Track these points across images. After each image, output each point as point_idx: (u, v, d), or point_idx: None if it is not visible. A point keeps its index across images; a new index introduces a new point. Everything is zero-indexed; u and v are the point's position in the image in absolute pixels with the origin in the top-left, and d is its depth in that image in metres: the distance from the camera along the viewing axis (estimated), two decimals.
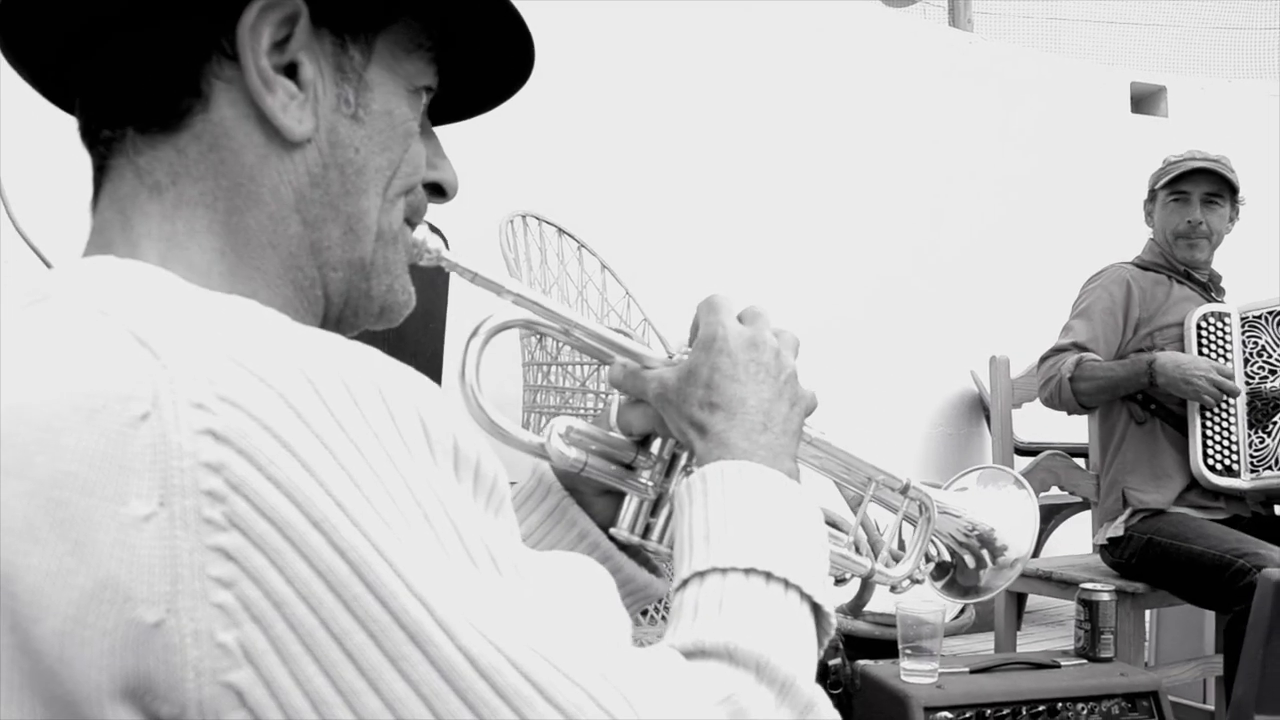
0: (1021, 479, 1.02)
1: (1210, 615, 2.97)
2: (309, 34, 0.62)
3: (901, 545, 0.97)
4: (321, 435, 0.46)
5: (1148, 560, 2.53)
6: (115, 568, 0.44)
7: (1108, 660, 2.15)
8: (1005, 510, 1.00)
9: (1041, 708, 1.93)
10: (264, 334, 0.49)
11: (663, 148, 3.92)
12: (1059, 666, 2.08)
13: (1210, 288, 2.78)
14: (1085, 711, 1.95)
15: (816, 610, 0.64)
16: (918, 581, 0.97)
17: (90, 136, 0.64)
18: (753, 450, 0.71)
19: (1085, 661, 2.14)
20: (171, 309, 0.51)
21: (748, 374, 0.74)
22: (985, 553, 0.98)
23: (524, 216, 3.34)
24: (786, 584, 0.63)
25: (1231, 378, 2.50)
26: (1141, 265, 2.80)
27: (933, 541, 0.97)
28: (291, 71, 0.62)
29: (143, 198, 0.61)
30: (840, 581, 0.90)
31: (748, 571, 0.62)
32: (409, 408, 0.50)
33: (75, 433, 0.46)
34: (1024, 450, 3.65)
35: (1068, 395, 2.60)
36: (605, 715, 0.48)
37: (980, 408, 4.55)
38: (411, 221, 0.70)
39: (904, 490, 0.93)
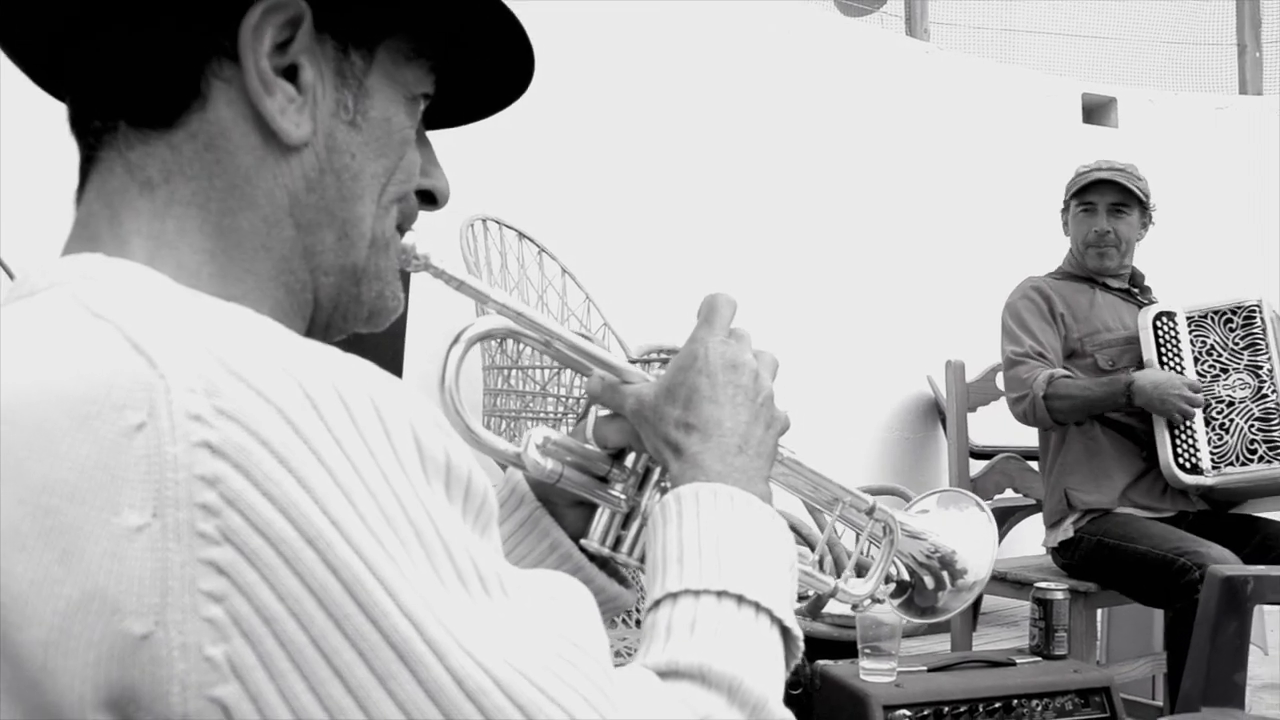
0: (981, 502, 1.04)
1: (1159, 614, 3.03)
2: (311, 38, 0.61)
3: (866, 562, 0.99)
4: (318, 452, 0.46)
5: (1097, 560, 2.59)
6: (104, 579, 0.44)
7: (1061, 658, 2.19)
8: (966, 533, 1.02)
9: (998, 704, 1.96)
10: (261, 346, 0.49)
11: (622, 153, 3.93)
12: (1014, 664, 2.11)
13: (1132, 291, 2.85)
14: (1040, 708, 1.99)
15: (785, 634, 0.65)
16: (879, 601, 0.98)
17: (79, 126, 0.63)
18: (727, 473, 0.71)
19: (1040, 659, 2.18)
20: (167, 315, 0.50)
21: (726, 396, 0.74)
22: (945, 575, 1.00)
23: (484, 220, 3.34)
24: (758, 608, 0.63)
25: (1199, 392, 2.57)
26: (1058, 276, 2.87)
27: (894, 562, 0.99)
28: (291, 75, 0.61)
29: (133, 193, 0.60)
30: (803, 598, 0.92)
31: (720, 595, 0.63)
32: (404, 424, 0.50)
33: (68, 439, 0.45)
34: (979, 454, 3.70)
35: (1043, 413, 2.64)
36: None
37: (936, 412, 4.61)
38: (402, 228, 0.70)
39: (870, 512, 0.95)
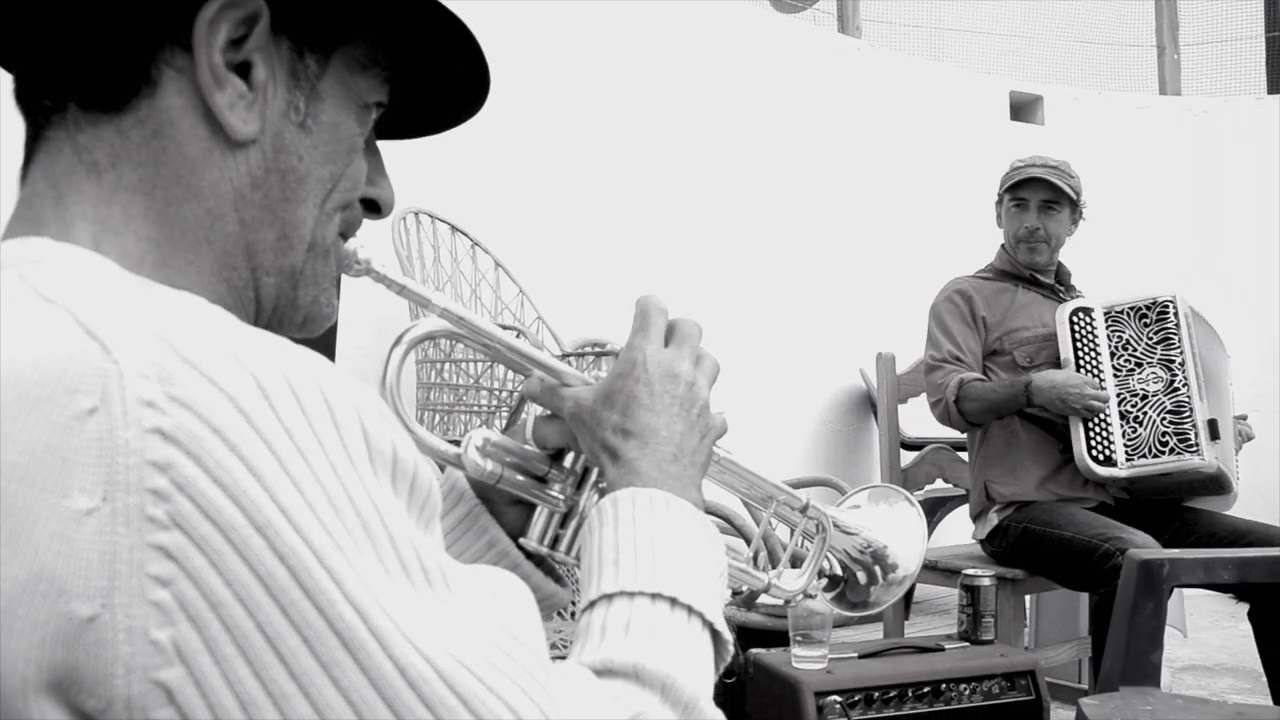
0: (911, 497, 1.06)
1: (1085, 600, 3.10)
2: (267, 37, 0.62)
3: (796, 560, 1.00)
4: (269, 441, 0.47)
5: (1024, 547, 2.64)
6: (52, 560, 0.44)
7: (989, 643, 2.23)
8: (897, 528, 1.03)
9: (927, 689, 1.99)
10: (213, 334, 0.49)
11: (556, 147, 3.92)
12: (943, 650, 2.15)
13: (1058, 288, 2.92)
14: (968, 691, 2.02)
15: (716, 637, 0.67)
16: (810, 597, 1.00)
17: (27, 102, 0.62)
18: (662, 480, 0.73)
19: (968, 644, 2.22)
20: (119, 301, 0.50)
21: (662, 405, 0.75)
22: (877, 569, 1.02)
23: (417, 214, 3.31)
24: (690, 610, 0.65)
25: (1104, 394, 2.63)
26: (983, 276, 2.93)
27: (827, 557, 1.00)
28: (244, 71, 0.61)
29: (79, 176, 0.60)
30: (737, 593, 0.93)
31: (654, 597, 0.64)
32: (352, 416, 0.50)
33: (18, 422, 0.46)
34: (910, 445, 3.76)
35: (956, 416, 2.75)
36: None
37: (869, 404, 4.67)
38: (345, 235, 0.70)
39: (803, 510, 0.97)
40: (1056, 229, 2.84)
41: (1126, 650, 1.71)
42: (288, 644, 0.45)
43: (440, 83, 0.73)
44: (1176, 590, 3.40)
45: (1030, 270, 2.88)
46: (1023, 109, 5.59)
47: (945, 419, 2.79)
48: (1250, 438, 2.80)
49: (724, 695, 2.16)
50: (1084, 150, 5.18)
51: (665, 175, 4.24)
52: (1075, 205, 2.85)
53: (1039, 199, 2.82)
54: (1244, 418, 2.81)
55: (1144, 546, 2.35)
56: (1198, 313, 2.77)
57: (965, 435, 2.98)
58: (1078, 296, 2.91)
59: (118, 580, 0.44)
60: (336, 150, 0.66)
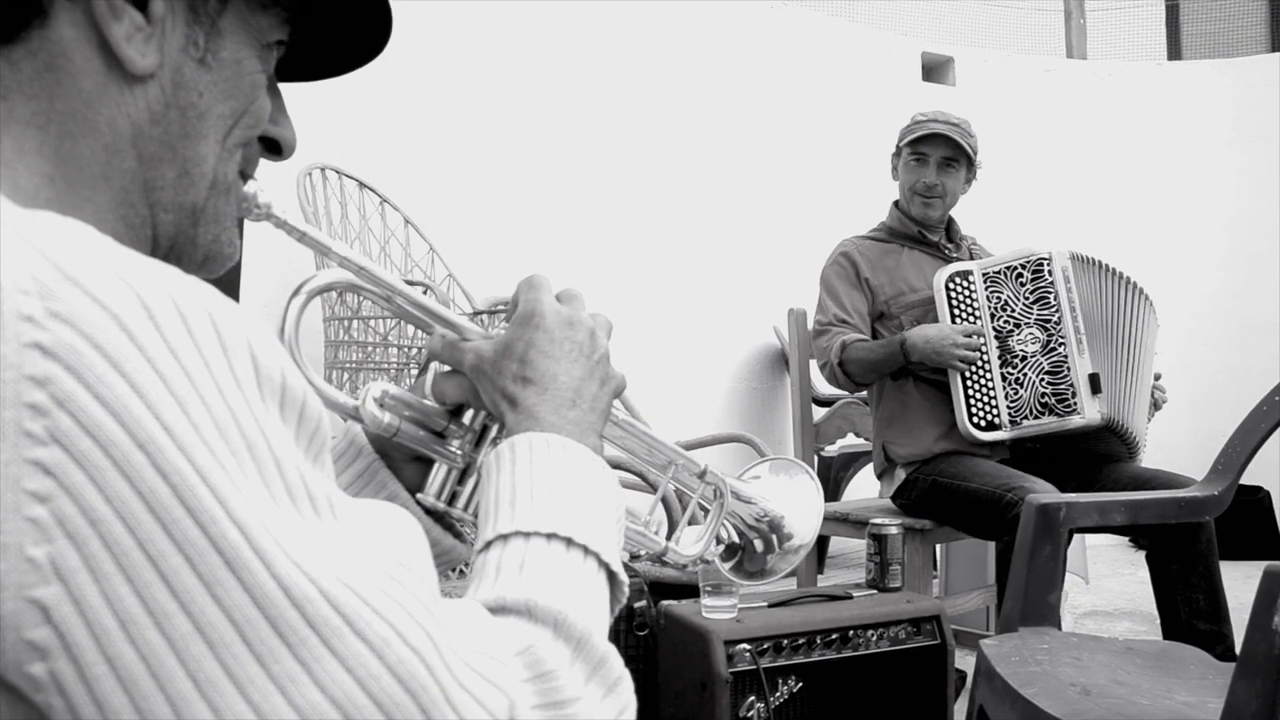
0: (810, 471, 1.07)
1: (993, 549, 3.18)
2: None
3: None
4: (153, 359, 0.46)
5: (932, 500, 2.69)
6: None
7: (896, 590, 2.27)
8: (794, 499, 1.05)
9: (835, 636, 2.02)
10: (98, 254, 0.48)
11: (462, 102, 3.85)
12: (851, 598, 2.18)
13: (946, 246, 2.95)
14: (875, 637, 2.06)
15: (611, 577, 0.67)
16: (707, 562, 1.01)
17: None
18: (560, 424, 0.73)
19: (875, 592, 2.25)
20: (2, 223, 0.48)
21: (561, 351, 0.76)
22: (774, 538, 1.03)
23: (323, 169, 3.22)
24: (586, 550, 0.66)
25: (980, 335, 2.67)
26: (872, 237, 2.96)
27: (725, 525, 1.02)
28: (142, 4, 0.60)
29: None
30: (635, 557, 0.93)
31: (549, 536, 0.65)
32: (241, 341, 0.50)
33: None
34: (821, 401, 3.80)
35: (842, 378, 2.79)
36: (410, 651, 0.49)
37: (783, 361, 4.71)
38: (244, 174, 0.69)
39: (701, 475, 0.98)
40: (953, 186, 2.88)
41: (1025, 592, 1.75)
42: (169, 562, 0.44)
43: (342, 23, 0.73)
44: (1079, 539, 3.52)
45: (920, 227, 2.91)
46: (934, 70, 5.65)
47: (833, 380, 2.82)
48: (1161, 405, 2.84)
49: (637, 647, 2.16)
50: (993, 111, 5.27)
51: (575, 133, 4.19)
52: (972, 164, 2.89)
53: (939, 155, 2.85)
54: (1158, 376, 2.84)
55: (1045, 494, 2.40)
56: (1106, 265, 2.74)
57: None
58: (970, 253, 2.95)
59: None
60: (238, 87, 0.65)
